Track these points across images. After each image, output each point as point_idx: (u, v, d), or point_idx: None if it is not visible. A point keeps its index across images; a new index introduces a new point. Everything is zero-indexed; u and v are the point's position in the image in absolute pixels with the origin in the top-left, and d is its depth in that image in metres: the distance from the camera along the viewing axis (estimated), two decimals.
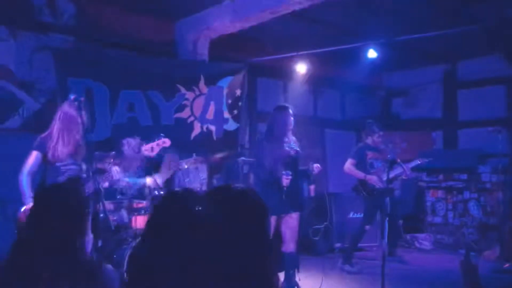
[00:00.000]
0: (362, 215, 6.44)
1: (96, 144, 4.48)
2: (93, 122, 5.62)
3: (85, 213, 1.82)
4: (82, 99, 3.84)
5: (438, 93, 9.24)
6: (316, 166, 4.92)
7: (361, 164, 6.14)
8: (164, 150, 4.48)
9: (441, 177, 7.91)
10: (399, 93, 9.80)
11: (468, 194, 7.58)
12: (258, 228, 1.42)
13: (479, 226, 7.36)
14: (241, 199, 1.44)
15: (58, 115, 3.99)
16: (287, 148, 4.70)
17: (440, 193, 7.92)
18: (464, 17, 6.22)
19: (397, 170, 6.13)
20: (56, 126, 3.96)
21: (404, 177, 6.33)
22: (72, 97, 3.85)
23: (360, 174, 6.11)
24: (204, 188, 6.10)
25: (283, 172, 4.54)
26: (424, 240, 7.57)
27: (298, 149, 4.80)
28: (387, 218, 4.89)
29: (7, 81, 5.47)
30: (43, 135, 4.04)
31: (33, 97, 5.64)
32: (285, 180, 4.52)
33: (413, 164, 6.30)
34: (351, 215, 7.24)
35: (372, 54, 6.62)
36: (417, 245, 7.55)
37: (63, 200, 1.77)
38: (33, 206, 1.83)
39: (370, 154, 6.17)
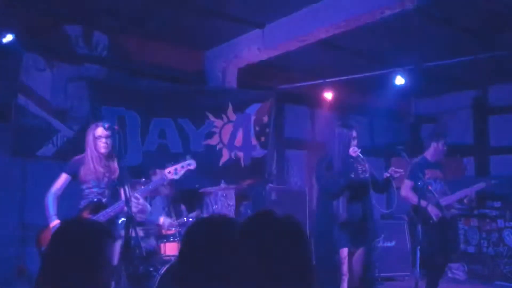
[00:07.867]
0: (393, 243, 6.14)
1: (127, 169, 4.55)
2: (125, 149, 5.74)
3: (94, 250, 1.69)
4: (116, 127, 3.94)
5: (468, 119, 9.09)
6: (393, 170, 4.28)
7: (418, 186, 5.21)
8: (190, 173, 4.18)
9: (473, 204, 7.69)
10: (428, 119, 9.68)
11: (503, 223, 7.35)
12: (300, 254, 1.42)
13: None
14: (283, 225, 1.45)
15: (87, 138, 4.10)
16: (352, 174, 4.24)
17: (473, 221, 7.70)
18: (494, 42, 6.17)
19: (459, 194, 5.28)
20: (87, 148, 4.06)
21: (466, 202, 5.35)
22: (106, 125, 3.94)
23: (417, 201, 4.95)
24: (232, 215, 6.09)
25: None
26: (458, 270, 7.33)
27: (366, 171, 4.33)
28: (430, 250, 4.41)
29: (43, 110, 5.63)
30: (76, 157, 4.15)
31: (67, 125, 5.79)
32: None
33: (477, 187, 5.30)
34: (379, 243, 7.09)
35: (399, 80, 6.56)
36: (450, 275, 7.32)
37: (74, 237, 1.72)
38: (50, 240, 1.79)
39: (428, 174, 5.22)
